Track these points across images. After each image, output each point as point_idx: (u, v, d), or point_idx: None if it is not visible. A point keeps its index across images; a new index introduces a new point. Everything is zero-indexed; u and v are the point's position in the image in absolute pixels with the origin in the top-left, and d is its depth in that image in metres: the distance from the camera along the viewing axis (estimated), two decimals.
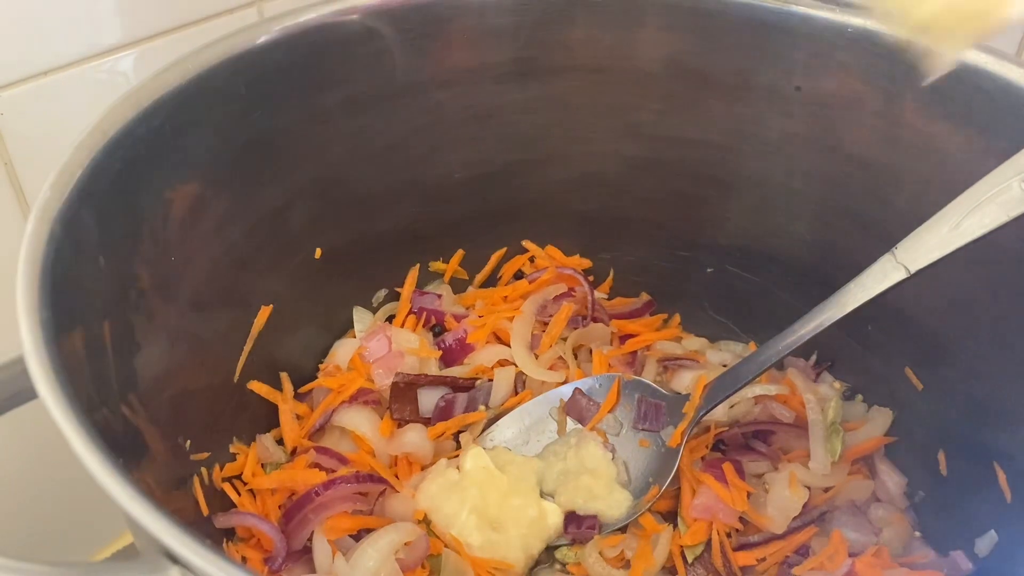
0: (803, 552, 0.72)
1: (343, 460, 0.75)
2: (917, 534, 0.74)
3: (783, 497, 0.72)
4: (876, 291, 0.64)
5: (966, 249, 0.61)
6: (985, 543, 0.67)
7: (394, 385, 0.79)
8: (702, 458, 0.77)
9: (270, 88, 0.69)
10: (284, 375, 0.80)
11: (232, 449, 0.74)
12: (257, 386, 0.76)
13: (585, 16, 0.75)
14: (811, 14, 0.71)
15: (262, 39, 0.67)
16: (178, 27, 0.76)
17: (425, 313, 0.87)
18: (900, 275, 0.62)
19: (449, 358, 0.85)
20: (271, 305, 0.76)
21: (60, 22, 0.70)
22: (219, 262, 0.70)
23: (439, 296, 0.88)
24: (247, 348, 0.75)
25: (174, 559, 0.38)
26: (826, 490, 0.75)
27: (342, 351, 0.83)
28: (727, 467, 0.73)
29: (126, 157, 0.58)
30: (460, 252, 0.89)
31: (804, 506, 0.73)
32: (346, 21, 0.69)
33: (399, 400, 0.79)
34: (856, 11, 0.70)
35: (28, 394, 0.50)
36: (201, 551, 0.35)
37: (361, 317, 0.86)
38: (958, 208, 0.60)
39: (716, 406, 0.74)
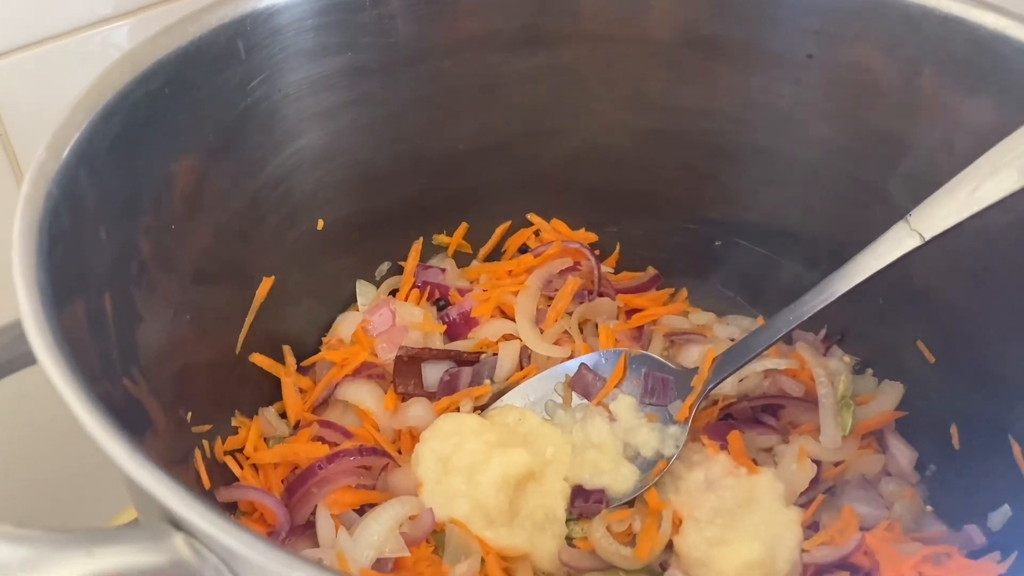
0: (813, 527, 0.71)
1: (347, 434, 0.74)
2: (929, 508, 0.73)
3: (791, 471, 0.71)
4: (889, 259, 0.62)
5: (980, 217, 0.60)
6: (999, 517, 0.66)
7: (398, 359, 0.78)
8: (706, 425, 0.75)
9: (271, 54, 0.67)
10: (287, 348, 0.79)
11: (234, 422, 0.73)
12: (259, 359, 0.75)
13: None
14: None
15: (263, 3, 0.66)
16: None
17: (429, 287, 0.86)
18: (915, 242, 0.61)
19: (453, 332, 0.84)
20: (272, 277, 0.74)
21: None
22: (220, 233, 0.69)
23: (443, 270, 0.87)
24: (248, 320, 0.74)
25: (177, 525, 0.37)
26: (836, 464, 0.74)
27: (345, 325, 0.82)
28: (733, 435, 0.72)
29: (124, 120, 0.57)
30: (464, 225, 0.88)
31: (814, 480, 0.72)
32: None
33: (403, 374, 0.78)
34: None
35: (24, 360, 0.49)
36: (206, 514, 0.34)
37: (364, 290, 0.85)
38: (975, 173, 0.59)
39: (724, 379, 0.73)
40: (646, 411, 0.77)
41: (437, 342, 0.83)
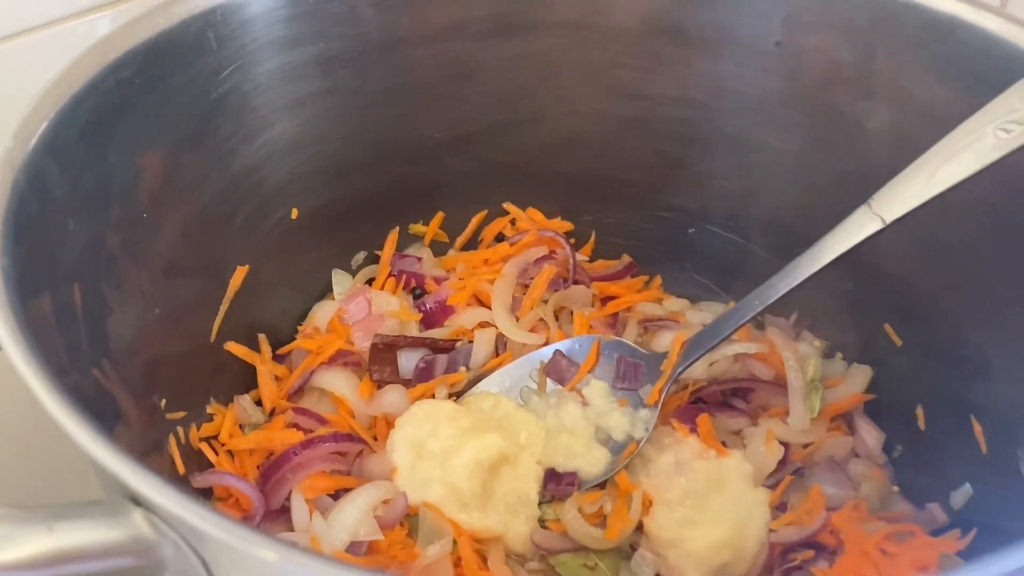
0: (781, 507, 0.72)
1: (321, 420, 0.75)
2: (895, 488, 0.74)
3: (759, 453, 0.73)
4: (852, 242, 0.64)
5: (942, 199, 0.61)
6: (960, 496, 0.68)
7: (373, 346, 0.79)
8: (677, 408, 0.77)
9: (242, 44, 0.68)
10: (262, 336, 0.79)
11: (209, 410, 0.74)
12: (234, 347, 0.76)
13: None
14: None
15: None
16: None
17: (405, 276, 0.86)
18: (876, 225, 0.62)
19: (429, 321, 0.85)
20: (246, 266, 0.75)
21: None
22: (193, 223, 0.70)
23: (419, 259, 0.88)
24: (223, 309, 0.74)
25: (136, 501, 0.37)
26: (805, 446, 0.76)
27: (321, 313, 0.83)
28: (702, 419, 0.73)
29: (93, 110, 0.57)
30: (440, 214, 0.89)
31: (782, 461, 0.73)
32: None
33: (378, 361, 0.79)
34: None
35: None
36: (162, 488, 0.35)
37: (340, 280, 0.86)
38: (933, 157, 0.60)
39: (693, 363, 0.74)
40: (618, 396, 0.78)
41: (413, 330, 0.84)
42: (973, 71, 0.64)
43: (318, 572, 0.34)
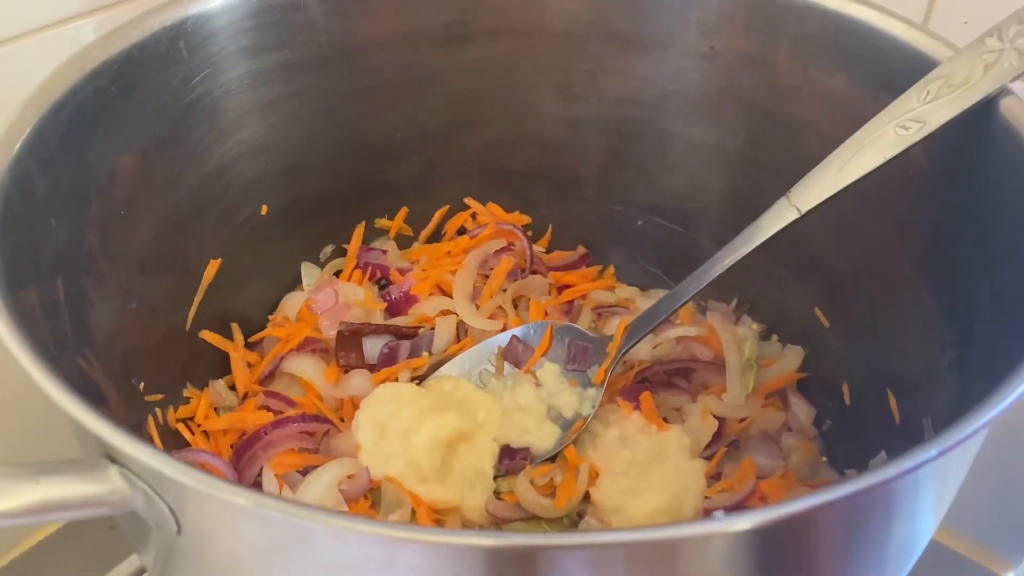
0: (717, 477, 0.78)
1: (291, 403, 0.80)
2: (824, 459, 0.80)
3: (696, 427, 0.78)
4: (772, 231, 0.69)
5: (854, 191, 0.67)
6: (877, 463, 0.73)
7: (339, 333, 0.84)
8: (623, 388, 0.82)
9: (211, 52, 0.73)
10: (235, 325, 0.84)
11: (186, 393, 0.79)
12: (209, 335, 0.81)
13: None
14: None
15: (203, 7, 0.71)
16: None
17: (371, 268, 0.91)
18: (793, 215, 0.68)
19: (394, 310, 0.90)
20: (219, 260, 0.80)
21: None
22: (166, 221, 0.74)
23: (384, 252, 0.93)
24: (197, 300, 0.79)
25: (112, 459, 0.43)
26: (741, 421, 0.81)
27: (291, 303, 0.88)
28: (644, 396, 0.79)
29: (72, 116, 0.62)
30: (404, 209, 0.94)
31: (718, 435, 0.79)
32: None
33: (345, 348, 0.84)
34: None
35: None
36: (135, 444, 0.40)
37: (309, 272, 0.91)
38: (842, 153, 0.66)
39: (636, 344, 0.80)
40: (569, 376, 0.83)
41: (378, 318, 0.89)
42: (884, 73, 0.70)
43: (280, 511, 0.39)
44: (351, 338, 0.84)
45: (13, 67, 0.75)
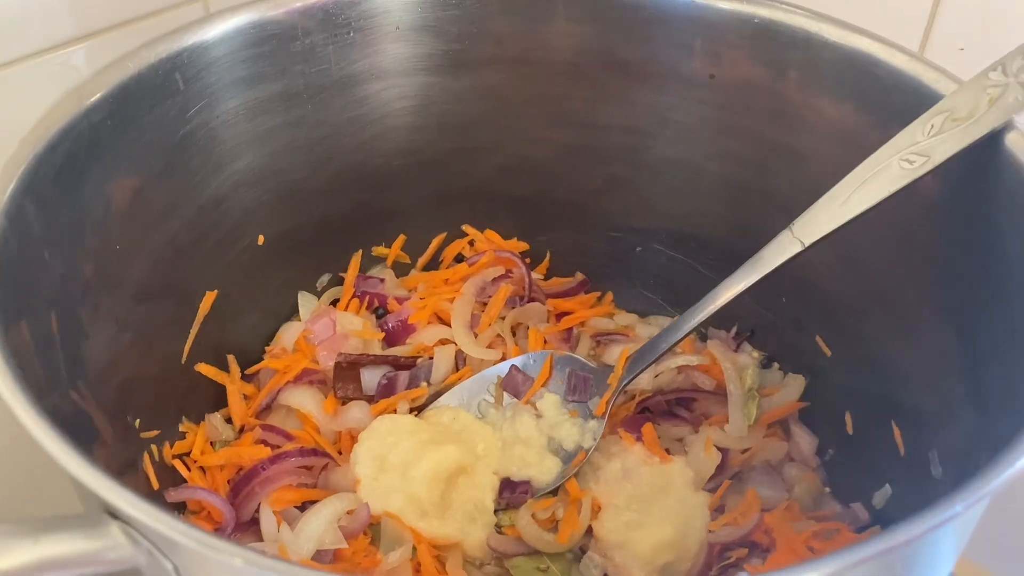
0: (720, 509, 0.77)
1: (288, 436, 0.79)
2: (827, 490, 0.80)
3: (699, 459, 0.78)
4: (775, 264, 0.69)
5: (859, 222, 0.66)
6: (881, 496, 0.73)
7: (337, 364, 0.83)
8: (624, 418, 0.81)
9: (208, 83, 0.72)
10: (231, 357, 0.83)
11: (182, 428, 0.78)
12: (205, 368, 0.80)
13: (507, 11, 0.79)
14: (719, 6, 0.75)
15: (199, 38, 0.71)
16: (129, 21, 0.80)
17: (368, 296, 0.90)
18: (796, 248, 0.68)
19: (392, 339, 0.89)
20: (215, 291, 0.79)
21: (13, 17, 0.73)
22: (162, 252, 0.74)
23: (382, 280, 0.92)
24: (193, 332, 0.78)
25: (114, 515, 0.42)
26: (744, 451, 0.80)
27: (288, 334, 0.87)
28: (646, 428, 0.78)
29: (68, 152, 0.61)
30: (402, 237, 0.93)
31: (721, 466, 0.78)
32: (278, 18, 0.73)
33: (342, 379, 0.83)
34: (761, 3, 0.75)
35: None
36: (136, 502, 0.39)
37: (306, 301, 0.90)
38: (846, 186, 0.65)
39: (638, 375, 0.79)
40: (569, 407, 0.83)
41: (376, 348, 0.88)
42: (886, 104, 0.70)
43: (279, 572, 0.39)
44: (349, 369, 0.83)
45: (5, 94, 0.75)
